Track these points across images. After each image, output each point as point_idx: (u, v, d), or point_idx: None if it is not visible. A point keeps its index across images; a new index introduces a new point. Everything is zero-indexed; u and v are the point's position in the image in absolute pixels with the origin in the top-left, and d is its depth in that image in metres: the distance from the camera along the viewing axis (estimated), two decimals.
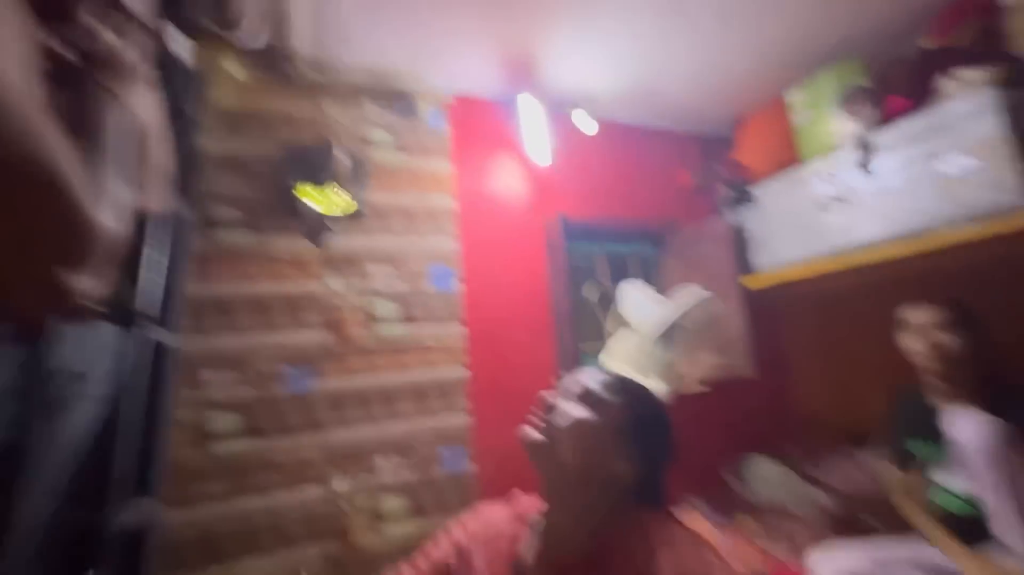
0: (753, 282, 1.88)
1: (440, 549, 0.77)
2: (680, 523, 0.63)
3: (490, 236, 1.82)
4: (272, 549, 1.30)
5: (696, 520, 1.67)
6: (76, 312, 0.40)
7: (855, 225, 1.57)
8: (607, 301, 2.18)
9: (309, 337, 1.46)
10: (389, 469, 1.46)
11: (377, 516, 1.42)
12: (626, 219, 2.11)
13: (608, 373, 0.74)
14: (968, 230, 1.28)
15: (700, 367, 1.99)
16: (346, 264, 1.54)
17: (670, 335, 1.63)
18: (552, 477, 0.67)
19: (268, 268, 1.45)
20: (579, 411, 0.67)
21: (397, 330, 1.57)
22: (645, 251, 2.35)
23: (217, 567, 1.23)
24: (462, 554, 0.74)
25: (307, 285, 1.49)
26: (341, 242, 1.56)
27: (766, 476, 1.76)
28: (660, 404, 0.73)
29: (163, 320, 0.82)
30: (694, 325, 1.65)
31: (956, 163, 1.32)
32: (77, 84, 0.43)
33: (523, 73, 1.76)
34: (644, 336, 1.63)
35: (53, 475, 0.57)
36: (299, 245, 1.49)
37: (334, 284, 1.52)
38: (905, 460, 1.44)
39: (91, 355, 0.65)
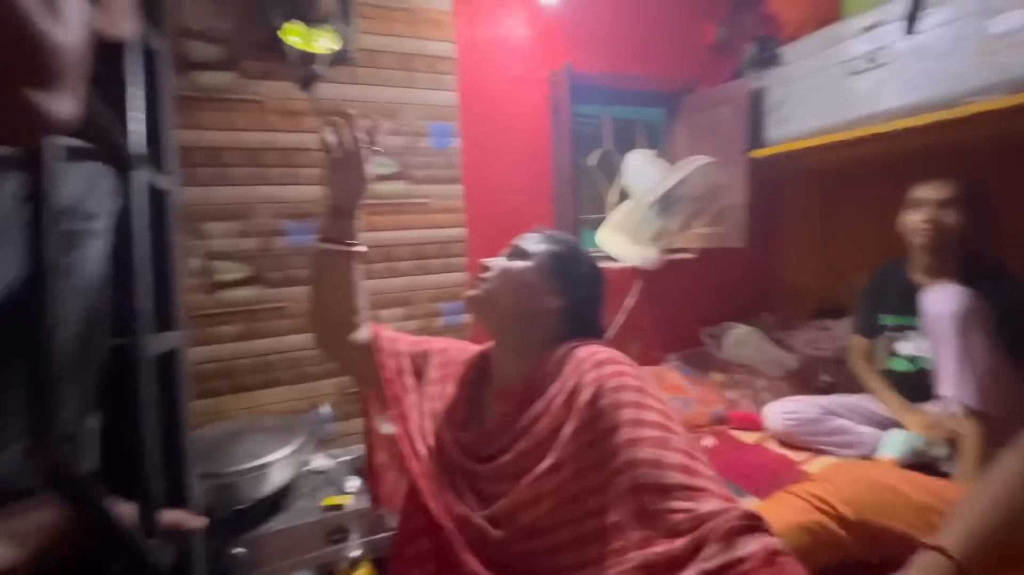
0: (761, 153, 1.81)
1: (427, 344, 0.90)
2: (604, 346, 0.71)
3: (490, 88, 1.70)
4: (290, 383, 1.45)
5: (669, 373, 1.85)
6: (53, 131, 0.40)
7: (883, 91, 1.46)
8: (611, 170, 2.13)
9: (306, 192, 1.44)
10: (392, 320, 1.57)
11: None
12: (637, 77, 1.95)
13: (539, 231, 0.82)
14: (1003, 100, 1.19)
15: (693, 236, 2.02)
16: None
17: (667, 202, 1.62)
18: (493, 322, 0.77)
19: (258, 118, 1.38)
20: (508, 263, 0.77)
21: (395, 187, 1.55)
22: (654, 116, 2.22)
23: (241, 395, 1.40)
24: (427, 357, 0.87)
25: (300, 138, 1.43)
26: (333, 91, 1.46)
27: (741, 339, 1.90)
28: (580, 245, 0.82)
29: (156, 163, 0.80)
30: (692, 193, 1.63)
31: (1008, 20, 1.18)
32: None
33: None
34: (640, 201, 1.62)
35: (78, 306, 0.62)
36: (287, 91, 1.40)
37: (328, 137, 1.46)
38: (874, 330, 1.54)
39: (96, 196, 0.65)
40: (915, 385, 1.41)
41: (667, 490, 0.53)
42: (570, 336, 0.75)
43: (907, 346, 1.45)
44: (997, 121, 1.28)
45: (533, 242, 0.79)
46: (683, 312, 2.09)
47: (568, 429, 0.61)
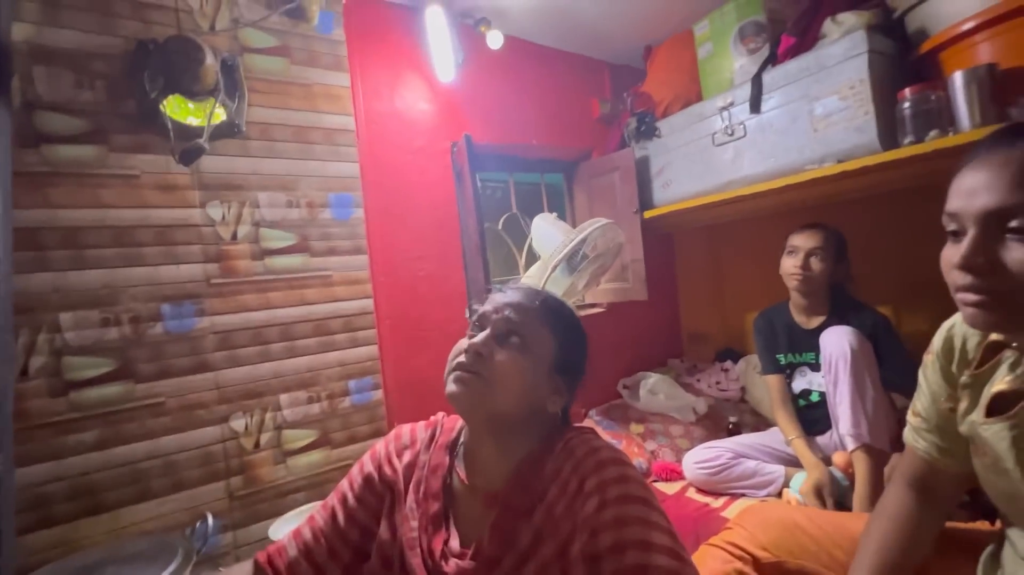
0: (652, 213, 1.99)
1: (358, 486, 0.72)
2: (599, 439, 0.66)
3: (393, 159, 1.71)
4: (167, 493, 1.24)
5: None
6: None
7: (743, 160, 1.69)
8: (519, 233, 2.20)
9: (188, 271, 1.31)
10: (293, 404, 1.43)
11: (283, 450, 1.40)
12: (535, 147, 2.09)
13: (530, 294, 0.70)
14: (831, 167, 1.43)
15: (601, 292, 2.12)
16: (228, 190, 1.38)
17: (572, 261, 1.69)
18: (479, 423, 0.66)
19: (130, 193, 1.25)
20: (507, 354, 0.64)
21: (294, 261, 1.46)
22: (556, 181, 2.37)
23: (101, 517, 1.15)
24: (386, 484, 0.72)
25: (180, 213, 1.31)
26: (221, 164, 1.37)
27: (653, 388, 1.97)
28: (580, 325, 0.74)
29: None
30: (595, 252, 1.73)
31: (825, 104, 1.44)
32: None
33: None
34: (547, 262, 1.68)
35: None
36: (165, 165, 1.30)
37: (214, 212, 1.36)
38: (779, 368, 1.63)
39: None
40: (810, 418, 1.53)
41: None
42: (555, 426, 0.69)
43: (800, 382, 1.58)
44: (830, 184, 1.52)
45: (533, 318, 0.66)
46: (599, 366, 2.13)
47: (575, 548, 0.57)
